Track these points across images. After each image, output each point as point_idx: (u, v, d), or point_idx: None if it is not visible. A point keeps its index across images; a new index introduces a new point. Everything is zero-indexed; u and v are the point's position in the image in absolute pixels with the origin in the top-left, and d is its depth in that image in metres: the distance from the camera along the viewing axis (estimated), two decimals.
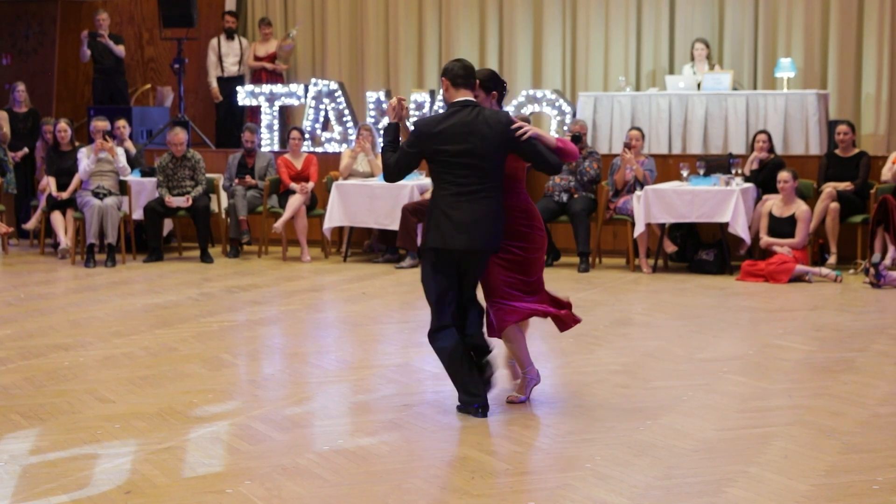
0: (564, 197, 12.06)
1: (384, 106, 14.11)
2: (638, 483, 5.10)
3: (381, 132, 6.51)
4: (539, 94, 13.77)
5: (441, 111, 13.85)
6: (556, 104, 13.62)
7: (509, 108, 13.67)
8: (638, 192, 11.61)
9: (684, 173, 11.80)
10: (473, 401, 6.22)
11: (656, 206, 11.49)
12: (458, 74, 6.23)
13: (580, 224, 11.91)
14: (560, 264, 12.24)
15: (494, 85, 6.40)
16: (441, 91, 6.36)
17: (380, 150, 13.51)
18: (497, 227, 6.19)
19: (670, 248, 12.01)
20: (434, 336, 6.33)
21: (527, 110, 13.58)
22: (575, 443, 5.73)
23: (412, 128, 6.33)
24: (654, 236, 11.88)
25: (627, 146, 11.95)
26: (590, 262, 11.98)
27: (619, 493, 4.96)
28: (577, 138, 12.08)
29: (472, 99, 6.23)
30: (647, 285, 11.02)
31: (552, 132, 13.61)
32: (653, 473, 5.23)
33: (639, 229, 11.59)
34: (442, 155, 6.17)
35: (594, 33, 14.67)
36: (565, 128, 13.15)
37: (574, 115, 13.50)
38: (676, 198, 11.48)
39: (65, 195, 12.85)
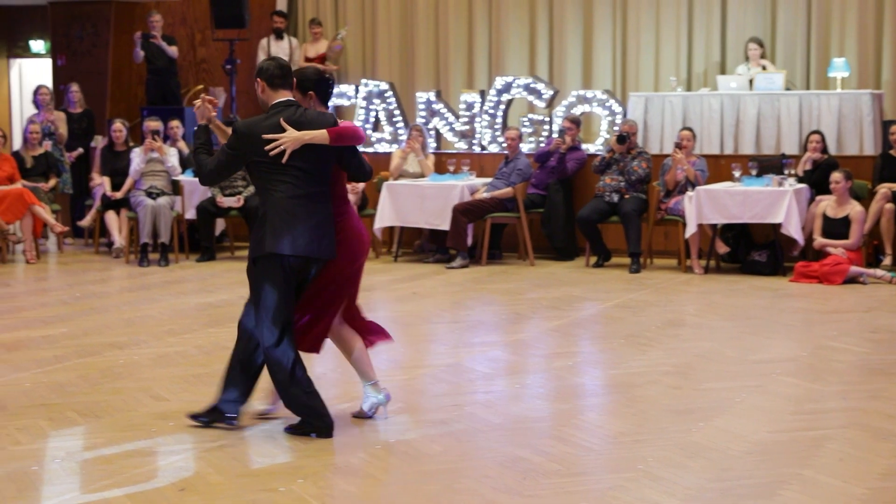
0: (615, 197, 12.02)
1: (434, 106, 14.13)
2: (691, 485, 5.07)
3: (194, 136, 6.01)
4: (589, 94, 13.72)
5: (488, 112, 13.83)
6: (607, 104, 13.57)
7: (560, 109, 13.65)
8: (690, 193, 11.55)
9: (736, 174, 11.72)
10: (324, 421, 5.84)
11: (708, 206, 11.42)
12: (274, 75, 5.84)
13: (631, 224, 11.87)
14: (611, 265, 12.20)
15: (312, 85, 5.96)
16: (259, 93, 5.92)
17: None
18: (325, 233, 5.79)
19: (722, 248, 11.93)
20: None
21: (577, 111, 13.55)
22: (626, 444, 5.71)
23: (230, 128, 5.86)
24: (706, 237, 11.81)
25: (678, 146, 11.89)
26: (641, 263, 11.93)
27: (671, 495, 4.94)
28: (623, 138, 12.12)
29: (293, 99, 5.87)
30: (699, 286, 10.96)
31: (602, 132, 13.58)
32: (706, 475, 5.20)
33: (690, 230, 11.53)
34: (266, 156, 5.71)
35: (645, 33, 14.61)
36: (615, 128, 13.10)
37: (625, 115, 13.45)
38: (728, 198, 11.40)
39: (119, 195, 12.97)
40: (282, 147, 5.64)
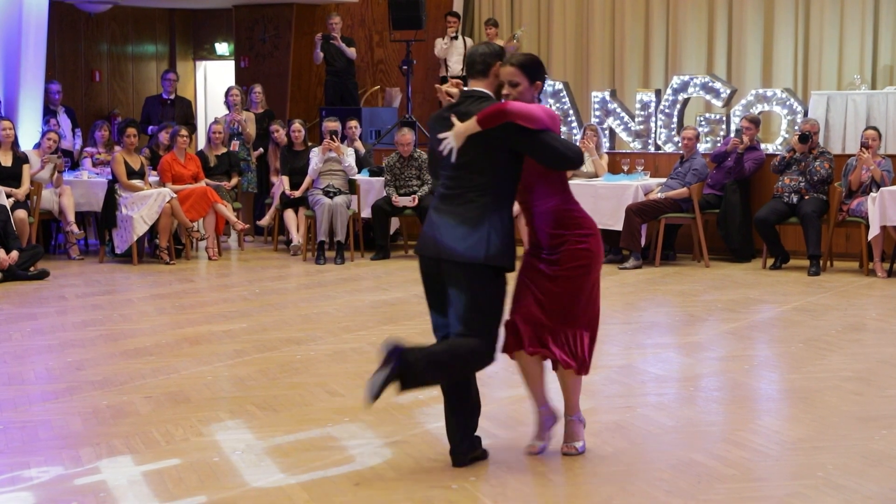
0: (794, 198, 11.75)
1: (609, 106, 14.03)
2: (873, 494, 4.92)
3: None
4: (769, 92, 13.44)
5: (664, 112, 13.68)
6: (787, 103, 13.26)
7: (737, 109, 13.40)
8: (873, 194, 11.21)
9: None
10: (451, 450, 5.39)
11: (892, 208, 11.07)
12: (468, 64, 5.45)
13: (811, 226, 11.58)
14: (789, 267, 11.93)
15: (539, 73, 5.44)
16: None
17: (603, 151, 13.51)
18: (477, 236, 5.18)
19: None
20: None
21: (756, 110, 13.27)
22: (805, 450, 5.58)
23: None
24: (890, 239, 11.44)
25: (865, 146, 11.53)
26: (821, 266, 11.63)
27: None
28: (805, 137, 11.83)
29: (478, 90, 5.36)
30: (882, 290, 10.63)
31: (782, 132, 13.28)
32: (889, 484, 5.05)
33: (873, 232, 11.19)
34: (435, 149, 5.39)
35: (828, 29, 14.23)
36: (796, 127, 12.79)
37: (805, 114, 13.11)
38: None
39: (297, 193, 13.26)
40: (449, 145, 5.27)
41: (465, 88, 5.46)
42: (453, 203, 5.28)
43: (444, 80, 15.79)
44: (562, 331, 5.40)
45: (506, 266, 5.29)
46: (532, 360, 5.47)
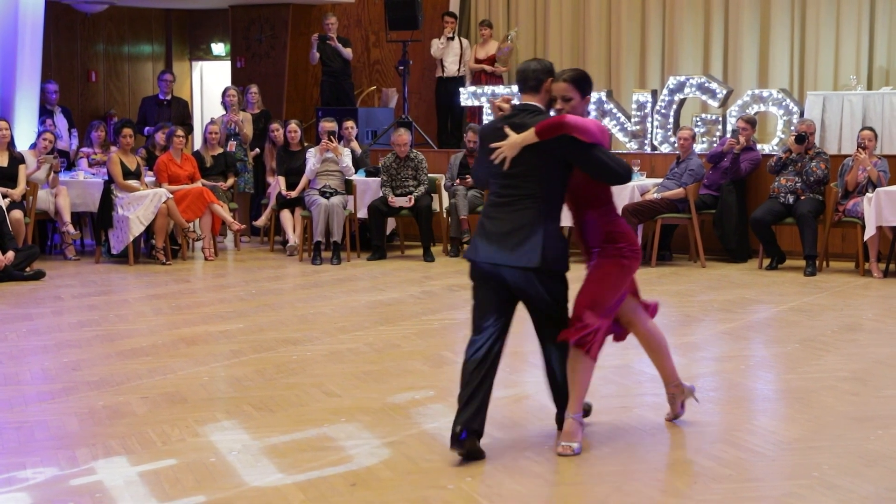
0: (791, 198, 11.76)
1: (605, 106, 14.03)
2: (868, 494, 4.93)
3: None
4: (765, 93, 13.45)
5: (660, 112, 13.69)
6: (783, 104, 13.28)
7: (733, 109, 13.41)
8: (869, 194, 11.22)
9: None
10: (455, 425, 5.43)
11: (889, 208, 11.08)
12: (519, 79, 5.73)
13: (807, 226, 11.59)
14: (785, 267, 11.94)
15: (588, 88, 5.78)
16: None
17: None
18: (530, 244, 5.41)
19: None
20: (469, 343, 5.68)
21: (752, 110, 13.29)
22: (801, 450, 5.58)
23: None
24: (886, 240, 11.46)
25: (861, 147, 11.54)
26: (816, 266, 11.64)
27: None
28: (802, 138, 11.84)
29: (531, 104, 5.63)
30: (878, 290, 10.64)
31: (778, 132, 13.29)
32: (884, 485, 5.05)
33: (869, 232, 11.20)
34: (487, 159, 5.58)
35: (824, 30, 14.25)
36: (792, 128, 12.81)
37: (801, 114, 13.13)
38: None
39: (293, 194, 13.26)
40: (503, 154, 5.46)
41: (518, 102, 5.68)
42: (506, 210, 5.51)
43: (440, 81, 15.82)
44: (583, 314, 5.58)
45: (562, 269, 5.56)
46: (580, 359, 5.61)
